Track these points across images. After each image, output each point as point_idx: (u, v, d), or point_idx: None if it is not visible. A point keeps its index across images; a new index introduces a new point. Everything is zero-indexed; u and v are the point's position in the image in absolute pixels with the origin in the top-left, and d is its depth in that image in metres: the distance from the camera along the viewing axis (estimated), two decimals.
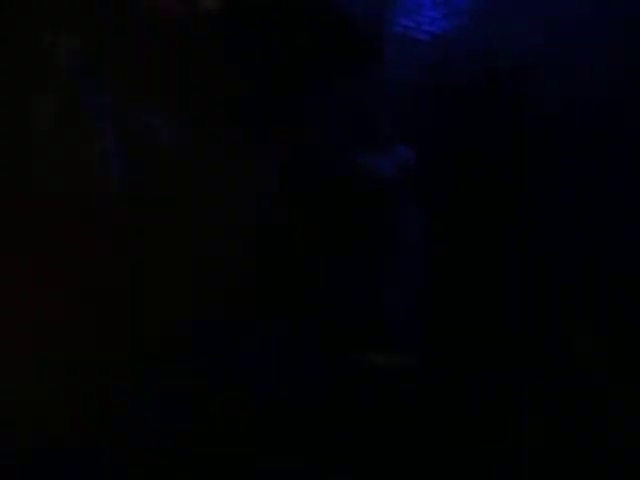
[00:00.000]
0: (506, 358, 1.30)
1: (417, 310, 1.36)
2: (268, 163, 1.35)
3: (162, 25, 1.25)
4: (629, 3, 1.33)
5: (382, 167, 1.48)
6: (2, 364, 1.07)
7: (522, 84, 1.38)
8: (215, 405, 1.21)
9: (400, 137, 1.49)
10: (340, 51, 1.40)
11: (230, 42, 1.29)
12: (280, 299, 1.34)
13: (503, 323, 1.31)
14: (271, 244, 1.35)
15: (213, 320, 1.28)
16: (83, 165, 1.12)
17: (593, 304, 1.29)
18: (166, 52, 1.27)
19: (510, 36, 1.33)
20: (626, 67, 1.30)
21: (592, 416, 1.24)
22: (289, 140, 1.38)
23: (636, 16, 1.33)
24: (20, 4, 1.14)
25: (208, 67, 1.31)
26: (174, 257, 1.28)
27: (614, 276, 1.27)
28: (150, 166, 1.20)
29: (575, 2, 1.34)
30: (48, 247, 1.10)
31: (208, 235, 1.29)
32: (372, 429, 1.28)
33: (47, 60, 1.12)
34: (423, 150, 1.43)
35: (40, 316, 1.10)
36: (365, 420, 1.28)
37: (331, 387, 1.27)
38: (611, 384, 1.25)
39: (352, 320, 1.35)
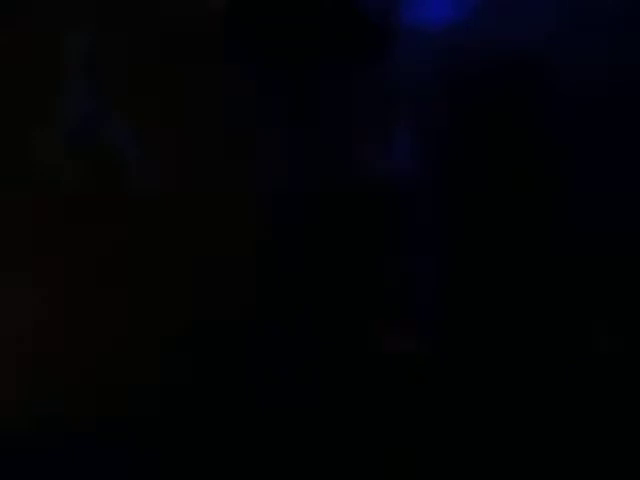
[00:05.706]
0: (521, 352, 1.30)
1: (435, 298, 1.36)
2: (275, 159, 1.35)
3: (166, 25, 1.26)
4: None
5: (390, 162, 1.48)
6: None
7: (536, 76, 1.38)
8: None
9: (410, 131, 1.48)
10: (347, 43, 1.40)
11: (238, 37, 1.30)
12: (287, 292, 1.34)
13: (520, 315, 1.31)
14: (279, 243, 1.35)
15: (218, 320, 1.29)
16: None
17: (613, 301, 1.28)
18: (171, 51, 1.28)
19: (524, 26, 1.32)
20: None
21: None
22: (296, 136, 1.38)
23: None
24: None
25: (216, 63, 1.31)
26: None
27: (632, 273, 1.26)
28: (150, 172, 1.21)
29: None
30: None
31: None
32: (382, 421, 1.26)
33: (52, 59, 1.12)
34: (433, 144, 1.43)
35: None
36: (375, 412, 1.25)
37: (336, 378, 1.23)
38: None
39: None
